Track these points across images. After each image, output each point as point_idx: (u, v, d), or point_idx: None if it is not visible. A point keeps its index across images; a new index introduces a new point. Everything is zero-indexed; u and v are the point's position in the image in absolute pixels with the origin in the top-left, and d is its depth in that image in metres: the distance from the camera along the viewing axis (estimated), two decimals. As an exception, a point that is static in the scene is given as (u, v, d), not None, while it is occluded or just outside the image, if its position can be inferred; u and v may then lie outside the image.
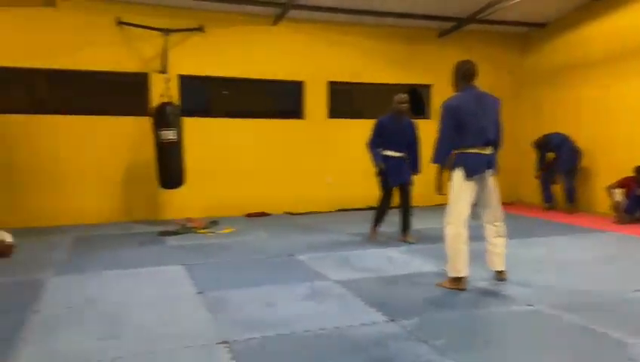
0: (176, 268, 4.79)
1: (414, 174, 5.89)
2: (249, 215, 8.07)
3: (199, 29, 7.62)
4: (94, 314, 3.52)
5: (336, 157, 8.65)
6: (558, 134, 8.44)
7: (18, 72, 7.16)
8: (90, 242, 6.08)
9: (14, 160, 6.89)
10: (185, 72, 7.78)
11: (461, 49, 8.43)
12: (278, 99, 8.84)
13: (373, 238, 5.97)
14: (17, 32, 6.96)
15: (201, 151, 7.73)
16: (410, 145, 5.82)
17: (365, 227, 6.33)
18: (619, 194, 7.31)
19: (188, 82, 7.89)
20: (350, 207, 8.62)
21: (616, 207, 7.34)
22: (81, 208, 7.31)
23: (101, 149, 7.40)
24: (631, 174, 7.23)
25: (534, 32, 9.42)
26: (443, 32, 9.09)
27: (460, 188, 4.04)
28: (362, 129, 8.82)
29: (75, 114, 7.36)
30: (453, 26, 8.86)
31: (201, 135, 7.75)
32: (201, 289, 4.07)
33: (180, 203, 7.70)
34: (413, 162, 5.84)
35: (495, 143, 4.14)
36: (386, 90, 9.05)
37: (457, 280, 4.05)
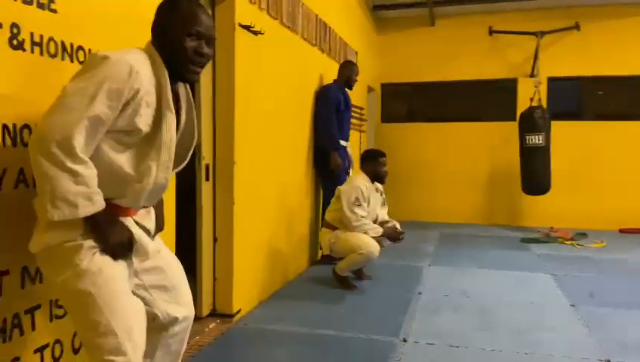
0: (545, 276, 4.66)
1: None
2: (623, 230, 7.08)
3: (575, 28, 7.16)
4: (468, 305, 3.79)
5: None
6: None
7: (398, 86, 8.32)
8: (455, 239, 6.55)
9: (395, 162, 8.00)
10: (555, 74, 7.45)
11: None
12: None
13: None
14: (399, 52, 8.05)
15: (570, 157, 7.25)
16: None
17: None
18: None
19: (557, 84, 7.53)
20: None
21: None
22: (446, 207, 7.93)
23: (467, 154, 7.84)
24: None
25: None
26: None
27: None
28: None
29: (446, 121, 8.05)
30: None
31: (570, 139, 7.26)
32: (574, 302, 3.84)
33: (543, 210, 7.41)
34: None
35: None
36: None
37: None
